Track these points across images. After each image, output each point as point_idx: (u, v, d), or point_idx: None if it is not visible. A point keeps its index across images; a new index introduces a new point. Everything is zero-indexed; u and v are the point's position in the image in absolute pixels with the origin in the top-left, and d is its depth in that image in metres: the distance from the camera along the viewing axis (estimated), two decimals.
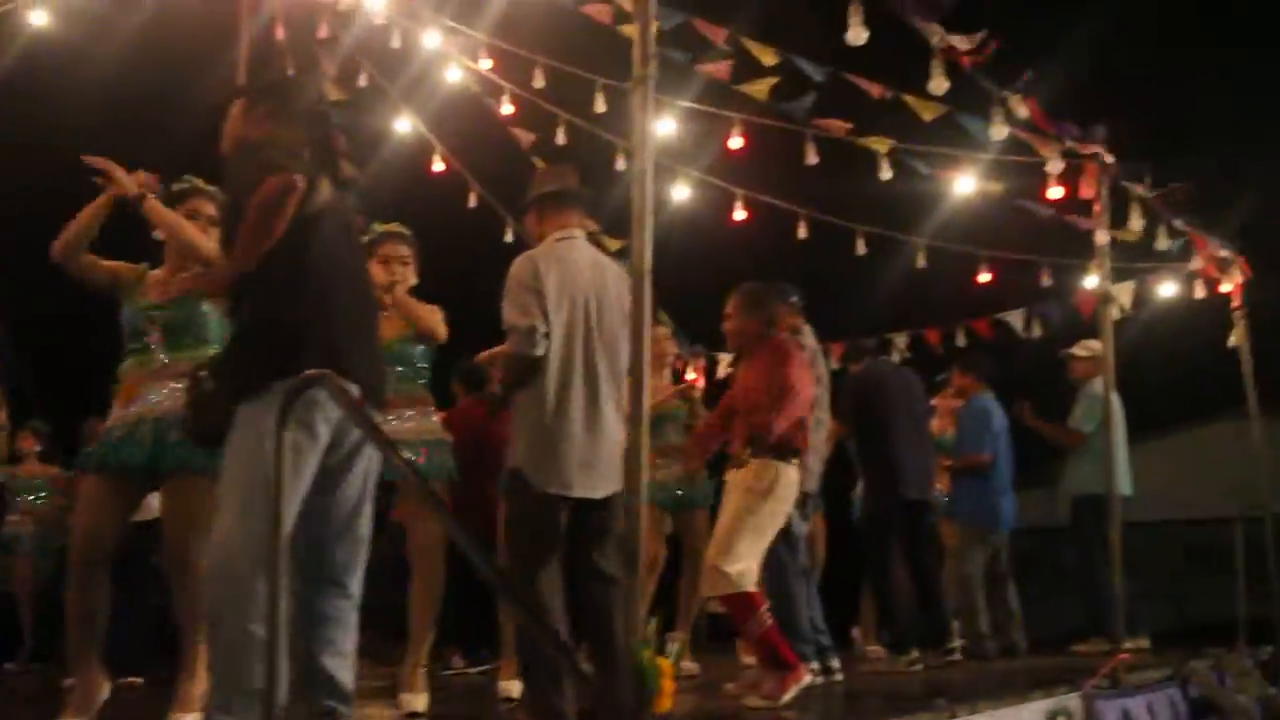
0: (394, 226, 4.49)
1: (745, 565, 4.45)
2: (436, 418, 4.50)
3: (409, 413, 4.39)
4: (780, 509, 4.63)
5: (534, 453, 3.70)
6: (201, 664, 3.41)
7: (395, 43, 6.33)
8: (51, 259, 3.76)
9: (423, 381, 4.52)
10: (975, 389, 7.09)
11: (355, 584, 3.09)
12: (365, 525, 3.10)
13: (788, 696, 4.38)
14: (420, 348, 4.50)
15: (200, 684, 3.43)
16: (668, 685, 2.98)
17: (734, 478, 4.62)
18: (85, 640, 3.66)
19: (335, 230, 3.08)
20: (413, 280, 4.50)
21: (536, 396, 3.72)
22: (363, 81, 6.79)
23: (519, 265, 3.82)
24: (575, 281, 3.80)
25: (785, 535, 4.98)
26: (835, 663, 5.48)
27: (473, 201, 7.58)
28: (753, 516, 4.51)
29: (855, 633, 7.19)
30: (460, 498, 4.62)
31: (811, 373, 5.00)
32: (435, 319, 4.44)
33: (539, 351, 3.71)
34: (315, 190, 2.99)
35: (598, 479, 3.70)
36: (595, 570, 3.73)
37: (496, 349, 4.77)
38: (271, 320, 2.93)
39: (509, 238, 7.56)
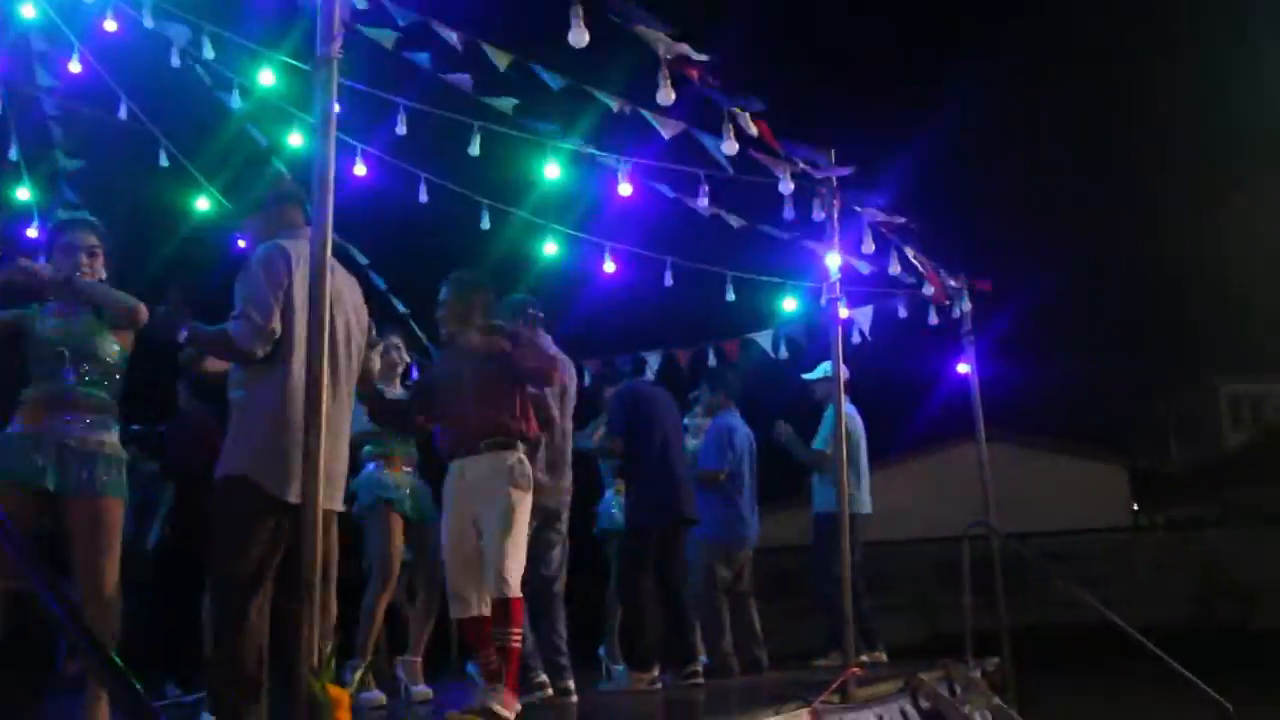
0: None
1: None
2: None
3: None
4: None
5: (262, 457, 3.50)
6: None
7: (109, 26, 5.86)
8: None
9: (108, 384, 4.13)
10: (723, 406, 7.14)
11: None
12: None
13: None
14: (118, 346, 4.12)
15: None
16: (343, 716, 2.76)
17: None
18: None
19: None
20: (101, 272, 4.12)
21: (272, 398, 3.51)
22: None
23: (271, 251, 3.61)
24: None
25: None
26: (571, 683, 5.37)
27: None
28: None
29: (602, 650, 7.10)
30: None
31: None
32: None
33: (260, 353, 3.52)
34: None
35: (334, 490, 3.56)
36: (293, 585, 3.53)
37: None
38: None
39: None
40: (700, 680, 6.10)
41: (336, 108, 3.22)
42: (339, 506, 3.72)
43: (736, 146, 4.59)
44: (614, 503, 7.03)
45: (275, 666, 3.42)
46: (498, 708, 4.24)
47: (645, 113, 4.93)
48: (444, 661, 6.95)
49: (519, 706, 4.39)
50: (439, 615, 5.60)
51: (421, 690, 5.49)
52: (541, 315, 5.53)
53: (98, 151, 6.92)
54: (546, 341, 5.35)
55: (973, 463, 7.55)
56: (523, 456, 4.53)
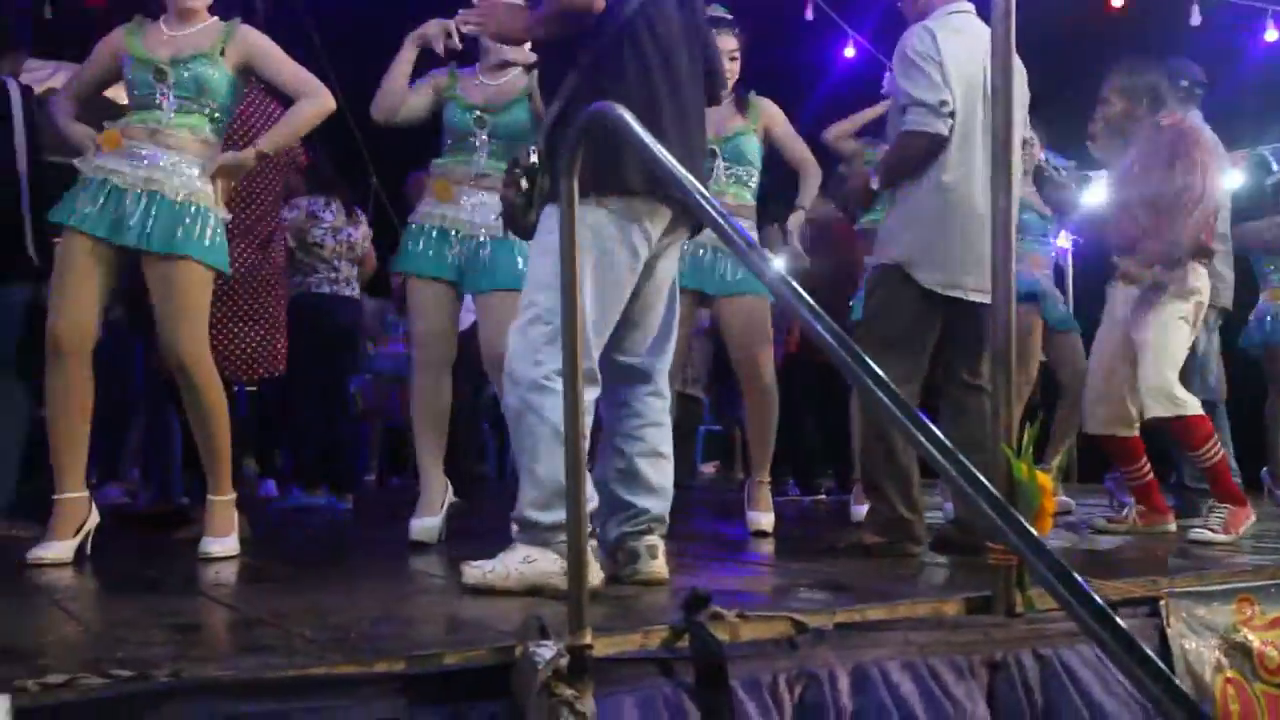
0: (716, 10, 4.06)
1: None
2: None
3: (740, 221, 4.04)
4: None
5: (923, 247, 3.35)
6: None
7: None
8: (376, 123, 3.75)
9: (752, 185, 4.13)
10: None
11: (663, 382, 2.87)
12: (663, 320, 2.88)
13: (1242, 531, 3.89)
14: (758, 146, 4.11)
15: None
16: (1048, 504, 2.50)
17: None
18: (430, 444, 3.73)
19: (666, 15, 2.75)
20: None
21: (931, 183, 3.34)
22: None
23: (913, 36, 3.39)
24: (973, 59, 3.32)
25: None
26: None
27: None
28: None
29: (1263, 473, 6.22)
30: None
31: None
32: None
33: (945, 130, 3.31)
34: None
35: (985, 281, 3.26)
36: (964, 379, 3.42)
37: (852, 120, 4.31)
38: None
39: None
40: None
41: None
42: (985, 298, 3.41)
43: None
44: (1273, 309, 6.01)
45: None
46: (1214, 531, 3.86)
47: None
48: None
49: (1249, 522, 3.94)
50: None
51: (1063, 501, 5.14)
52: (1193, 85, 4.74)
53: None
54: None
55: None
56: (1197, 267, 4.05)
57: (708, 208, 1.82)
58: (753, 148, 4.11)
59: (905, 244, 3.42)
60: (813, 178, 4.23)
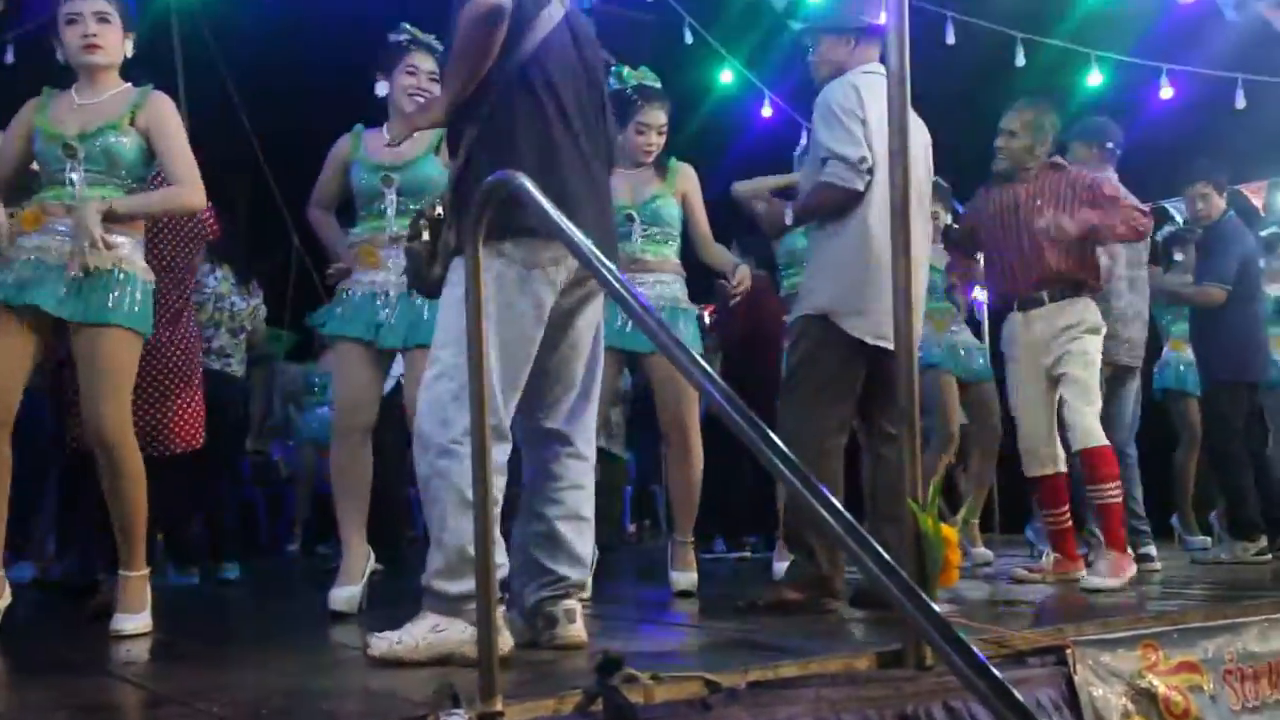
0: (646, 78, 4.11)
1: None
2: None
3: (663, 277, 4.10)
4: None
5: (848, 297, 3.41)
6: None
7: None
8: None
9: (673, 245, 4.19)
10: None
11: (584, 443, 2.84)
12: (583, 377, 2.83)
13: (1123, 580, 4.01)
14: (677, 209, 4.17)
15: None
16: (953, 557, 2.56)
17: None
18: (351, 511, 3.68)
19: (562, 60, 2.74)
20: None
21: (855, 235, 3.41)
22: None
23: (838, 89, 3.48)
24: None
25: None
26: (1152, 550, 4.89)
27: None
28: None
29: (1174, 519, 6.41)
30: (731, 373, 4.32)
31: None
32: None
33: (860, 186, 3.39)
34: (536, 13, 2.67)
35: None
36: (884, 429, 3.48)
37: (761, 182, 4.39)
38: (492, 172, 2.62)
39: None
40: None
41: None
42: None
43: None
44: (1174, 359, 6.23)
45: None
46: (1103, 576, 3.97)
47: None
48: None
49: (1132, 570, 4.07)
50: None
51: (981, 552, 5.26)
52: (1115, 147, 4.94)
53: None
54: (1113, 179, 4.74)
55: None
56: (1091, 304, 4.25)
57: (603, 271, 1.85)
58: (671, 212, 4.15)
59: (830, 294, 3.48)
60: (716, 248, 4.27)
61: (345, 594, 3.60)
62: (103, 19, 3.23)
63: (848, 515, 1.49)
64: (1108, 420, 4.53)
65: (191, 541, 5.23)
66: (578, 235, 1.92)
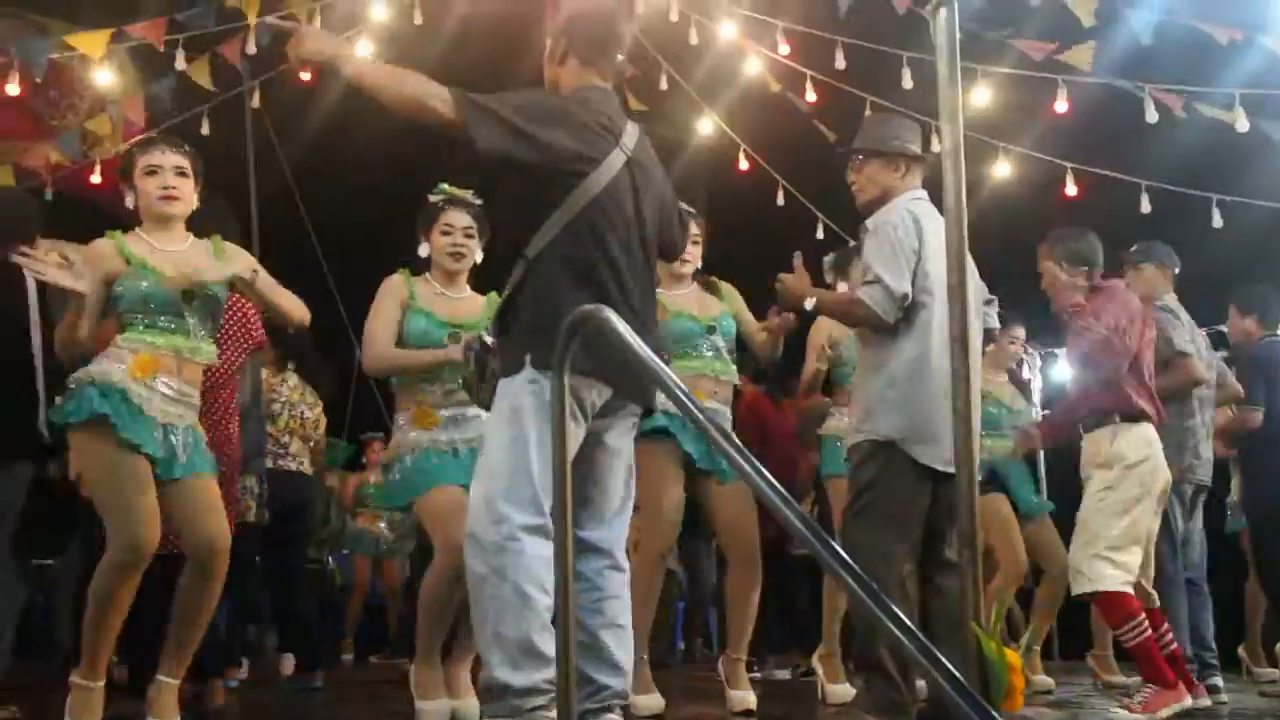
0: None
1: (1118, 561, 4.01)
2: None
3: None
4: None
5: (918, 424, 3.38)
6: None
7: (692, 39, 6.22)
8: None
9: (727, 368, 4.26)
10: None
11: (621, 556, 2.92)
12: (619, 495, 2.93)
13: (1163, 715, 3.89)
14: (734, 325, 4.27)
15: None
16: (1018, 681, 2.57)
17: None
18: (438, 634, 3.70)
19: (613, 212, 2.89)
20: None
21: (919, 362, 3.41)
22: (663, 85, 6.72)
23: (897, 217, 3.49)
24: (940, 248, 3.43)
25: (1165, 531, 4.43)
26: (1219, 681, 4.77)
27: (780, 199, 7.37)
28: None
29: (1241, 651, 6.28)
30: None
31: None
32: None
33: (891, 320, 3.42)
34: (598, 161, 2.85)
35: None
36: (941, 553, 3.46)
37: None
38: (549, 306, 2.74)
39: (820, 234, 7.29)
40: None
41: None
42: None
43: None
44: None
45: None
46: (1133, 712, 3.91)
47: None
48: None
49: (1177, 705, 3.95)
50: None
51: (1042, 679, 5.18)
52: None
53: None
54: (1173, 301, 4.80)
55: None
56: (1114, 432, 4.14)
57: (689, 404, 1.96)
58: (733, 328, 4.27)
59: (898, 420, 3.43)
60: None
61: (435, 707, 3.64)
62: (181, 173, 3.49)
63: (922, 637, 1.55)
64: (1189, 542, 4.49)
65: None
66: (666, 370, 2.06)
